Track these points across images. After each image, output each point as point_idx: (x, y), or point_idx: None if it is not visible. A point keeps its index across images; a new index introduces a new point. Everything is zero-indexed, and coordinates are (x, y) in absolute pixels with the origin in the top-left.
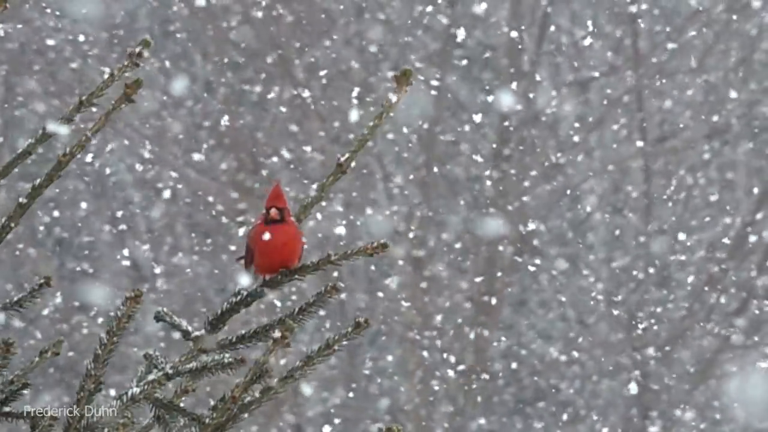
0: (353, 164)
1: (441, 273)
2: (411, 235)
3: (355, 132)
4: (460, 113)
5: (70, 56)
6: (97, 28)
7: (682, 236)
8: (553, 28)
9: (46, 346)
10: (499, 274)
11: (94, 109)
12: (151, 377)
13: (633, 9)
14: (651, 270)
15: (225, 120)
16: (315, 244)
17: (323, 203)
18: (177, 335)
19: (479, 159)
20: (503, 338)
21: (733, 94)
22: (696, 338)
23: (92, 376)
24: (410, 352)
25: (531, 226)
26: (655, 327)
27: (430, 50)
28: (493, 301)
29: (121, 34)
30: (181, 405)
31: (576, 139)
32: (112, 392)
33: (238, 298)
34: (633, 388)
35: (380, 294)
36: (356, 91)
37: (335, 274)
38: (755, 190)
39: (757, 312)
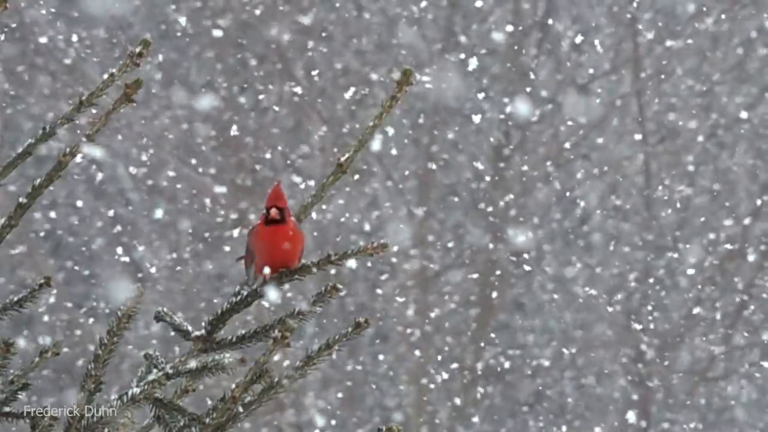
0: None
1: (441, 273)
2: (410, 235)
3: (355, 132)
4: (460, 114)
5: (69, 56)
6: (96, 28)
7: (681, 237)
8: (551, 21)
9: (46, 346)
10: (498, 273)
11: (94, 110)
12: (151, 377)
13: (632, 9)
14: (650, 271)
15: (225, 120)
16: (315, 245)
17: (323, 205)
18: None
19: (478, 161)
20: (502, 339)
21: (733, 95)
22: (696, 339)
23: (92, 376)
24: (409, 353)
25: (530, 227)
26: (655, 327)
27: (430, 50)
28: (493, 301)
29: (120, 34)
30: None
31: (575, 139)
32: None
33: (238, 298)
34: (632, 390)
35: (380, 293)
36: (355, 91)
37: (332, 271)
38: (755, 191)
39: (756, 313)
